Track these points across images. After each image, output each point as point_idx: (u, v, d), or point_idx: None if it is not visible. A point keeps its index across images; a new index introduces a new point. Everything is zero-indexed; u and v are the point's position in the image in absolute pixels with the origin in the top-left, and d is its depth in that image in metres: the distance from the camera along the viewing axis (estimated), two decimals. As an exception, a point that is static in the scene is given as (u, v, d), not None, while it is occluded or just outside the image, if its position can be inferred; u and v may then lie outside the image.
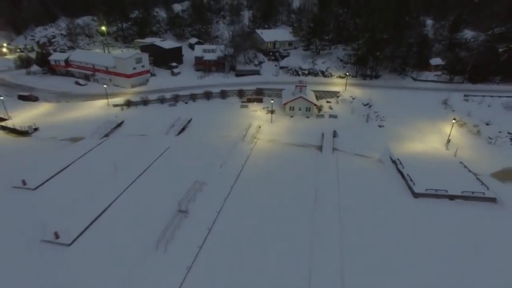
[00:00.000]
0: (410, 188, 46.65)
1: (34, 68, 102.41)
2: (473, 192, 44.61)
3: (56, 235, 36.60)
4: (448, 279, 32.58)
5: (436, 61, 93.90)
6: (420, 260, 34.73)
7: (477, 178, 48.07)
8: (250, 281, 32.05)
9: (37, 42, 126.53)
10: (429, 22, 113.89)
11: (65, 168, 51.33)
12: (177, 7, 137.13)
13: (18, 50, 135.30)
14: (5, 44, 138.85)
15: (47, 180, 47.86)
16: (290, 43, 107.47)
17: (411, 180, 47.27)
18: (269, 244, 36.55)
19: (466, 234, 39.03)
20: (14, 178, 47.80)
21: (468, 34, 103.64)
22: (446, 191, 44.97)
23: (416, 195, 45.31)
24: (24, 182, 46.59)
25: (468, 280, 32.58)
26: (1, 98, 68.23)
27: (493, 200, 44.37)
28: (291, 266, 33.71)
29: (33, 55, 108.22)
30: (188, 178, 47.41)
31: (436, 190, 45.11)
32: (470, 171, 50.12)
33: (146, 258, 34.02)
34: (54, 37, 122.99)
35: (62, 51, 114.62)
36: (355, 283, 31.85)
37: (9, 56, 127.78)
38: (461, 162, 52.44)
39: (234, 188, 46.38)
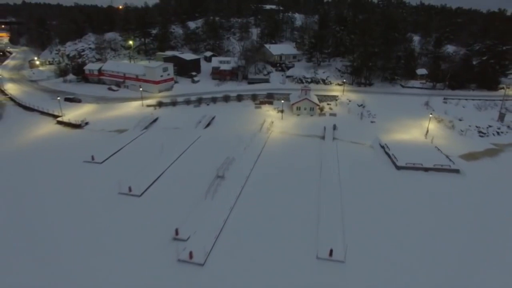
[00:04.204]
0: (394, 163, 59.77)
1: (70, 77, 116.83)
2: (442, 165, 57.83)
3: (130, 189, 49.44)
4: (420, 225, 44.09)
5: (421, 71, 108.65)
6: (400, 213, 46.30)
7: (447, 157, 61.30)
8: (273, 214, 44.91)
9: (67, 55, 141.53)
10: (417, 38, 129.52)
11: (120, 150, 64.41)
12: (192, 25, 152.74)
13: (48, 63, 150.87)
14: (36, 58, 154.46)
15: (109, 157, 60.93)
16: (294, 56, 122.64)
17: (394, 157, 60.46)
18: (287, 197, 49.35)
19: (436, 194, 51.69)
20: (82, 156, 60.82)
21: (450, 48, 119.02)
22: (422, 164, 58.17)
23: (398, 167, 58.41)
24: (92, 158, 59.68)
25: (434, 224, 44.59)
26: (58, 98, 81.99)
27: (457, 171, 57.52)
28: (300, 217, 45.79)
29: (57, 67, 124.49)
30: (220, 155, 60.47)
31: (414, 163, 58.30)
32: (442, 152, 63.38)
33: (199, 204, 46.71)
34: (83, 50, 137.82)
35: (91, 62, 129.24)
36: (353, 230, 42.21)
37: (42, 68, 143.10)
38: (435, 146, 65.81)
39: (257, 162, 59.52)
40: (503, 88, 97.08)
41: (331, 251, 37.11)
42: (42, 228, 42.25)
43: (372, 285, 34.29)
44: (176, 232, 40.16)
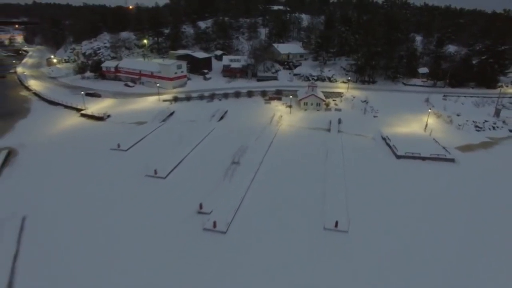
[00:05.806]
0: (394, 153, 64.95)
1: (88, 74, 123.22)
2: (438, 155, 62.95)
3: (155, 172, 55.18)
4: (416, 206, 49.34)
5: (423, 70, 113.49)
6: (398, 196, 51.50)
7: (443, 148, 66.37)
8: (285, 194, 50.48)
9: (83, 53, 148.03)
10: (419, 38, 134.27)
11: (142, 139, 70.10)
12: (202, 25, 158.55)
13: (64, 61, 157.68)
14: (52, 56, 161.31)
15: (133, 145, 66.73)
16: (301, 55, 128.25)
17: (395, 148, 65.64)
18: (296, 180, 54.85)
19: (432, 180, 56.88)
20: (108, 145, 66.65)
21: (451, 48, 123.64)
22: (420, 153, 63.29)
23: (398, 156, 63.59)
24: (118, 145, 65.50)
25: (429, 205, 50.02)
26: (82, 93, 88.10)
27: (452, 160, 62.59)
28: (309, 196, 51.31)
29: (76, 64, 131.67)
30: (234, 145, 66.08)
31: (412, 153, 63.45)
32: (439, 144, 68.43)
33: (219, 185, 52.40)
34: (99, 48, 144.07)
35: (107, 60, 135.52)
36: (355, 208, 47.55)
37: (59, 66, 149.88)
38: (433, 138, 70.88)
39: (268, 151, 65.03)
40: (501, 86, 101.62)
41: (336, 222, 42.54)
42: (81, 208, 48.10)
43: (370, 249, 39.75)
44: (200, 207, 45.83)
